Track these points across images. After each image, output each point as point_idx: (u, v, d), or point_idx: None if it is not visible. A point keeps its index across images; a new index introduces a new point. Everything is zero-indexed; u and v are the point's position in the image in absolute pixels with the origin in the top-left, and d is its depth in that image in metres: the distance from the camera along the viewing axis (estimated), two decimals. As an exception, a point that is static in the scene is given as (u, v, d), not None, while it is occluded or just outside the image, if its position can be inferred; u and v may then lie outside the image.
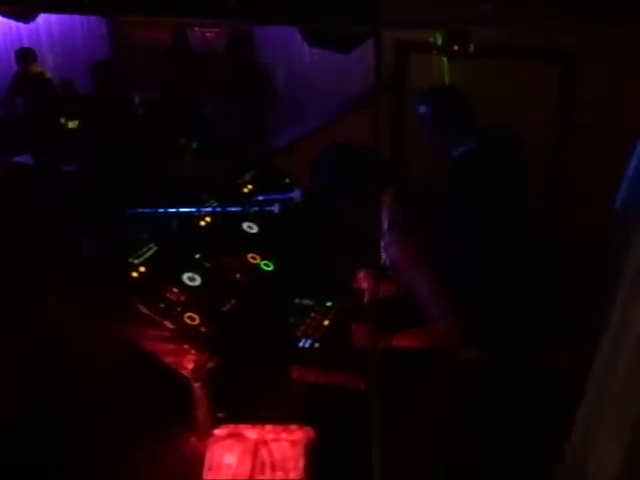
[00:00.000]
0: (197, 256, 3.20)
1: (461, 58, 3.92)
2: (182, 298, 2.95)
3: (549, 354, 3.03)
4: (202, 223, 3.38)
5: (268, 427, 2.75)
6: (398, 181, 2.80)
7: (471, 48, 3.84)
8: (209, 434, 2.78)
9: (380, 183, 2.74)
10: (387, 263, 2.68)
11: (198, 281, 3.07)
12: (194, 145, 3.81)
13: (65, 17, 8.66)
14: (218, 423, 2.83)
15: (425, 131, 3.52)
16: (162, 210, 3.28)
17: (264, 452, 2.66)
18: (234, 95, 7.29)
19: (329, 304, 3.13)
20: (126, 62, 8.39)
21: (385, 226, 2.69)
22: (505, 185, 3.38)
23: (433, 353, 2.63)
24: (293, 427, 2.74)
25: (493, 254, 2.75)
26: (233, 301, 3.04)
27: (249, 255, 3.31)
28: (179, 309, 2.89)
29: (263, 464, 2.63)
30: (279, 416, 2.83)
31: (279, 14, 1.79)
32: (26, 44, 8.13)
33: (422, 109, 3.48)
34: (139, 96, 7.26)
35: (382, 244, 2.68)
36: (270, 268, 3.30)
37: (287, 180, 3.82)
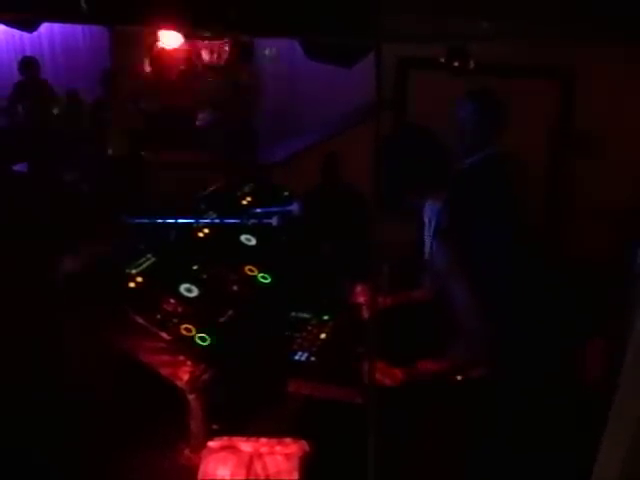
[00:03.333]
0: (195, 267, 3.20)
1: (461, 75, 3.93)
2: (179, 309, 2.95)
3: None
4: (200, 234, 3.38)
5: (262, 440, 2.74)
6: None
7: (471, 65, 3.86)
8: (203, 446, 2.76)
9: (443, 178, 2.71)
10: (429, 265, 2.67)
11: (195, 292, 3.07)
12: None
13: (67, 27, 8.70)
14: (212, 435, 2.82)
15: (461, 128, 3.51)
16: (160, 220, 3.28)
17: (258, 465, 2.65)
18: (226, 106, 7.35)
19: (326, 317, 3.13)
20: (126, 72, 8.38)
21: (432, 228, 2.68)
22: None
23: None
24: (288, 440, 2.72)
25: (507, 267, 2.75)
26: (230, 313, 3.03)
27: (246, 267, 3.31)
28: (175, 320, 2.89)
29: (257, 477, 2.62)
30: (274, 429, 2.82)
31: (279, 27, 1.80)
32: (28, 53, 8.16)
33: (470, 106, 3.49)
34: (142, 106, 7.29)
35: (428, 245, 2.67)
36: (267, 281, 3.30)
37: (286, 193, 3.82)
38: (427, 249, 2.71)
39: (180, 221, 3.27)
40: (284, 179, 4.33)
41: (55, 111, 7.58)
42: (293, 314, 3.15)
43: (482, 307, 2.53)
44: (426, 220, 2.72)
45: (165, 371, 2.84)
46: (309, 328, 3.06)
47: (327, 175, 5.30)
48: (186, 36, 7.35)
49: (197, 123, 7.54)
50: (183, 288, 3.06)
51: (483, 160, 3.42)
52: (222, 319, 3.00)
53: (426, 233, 2.72)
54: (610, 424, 1.86)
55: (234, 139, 7.07)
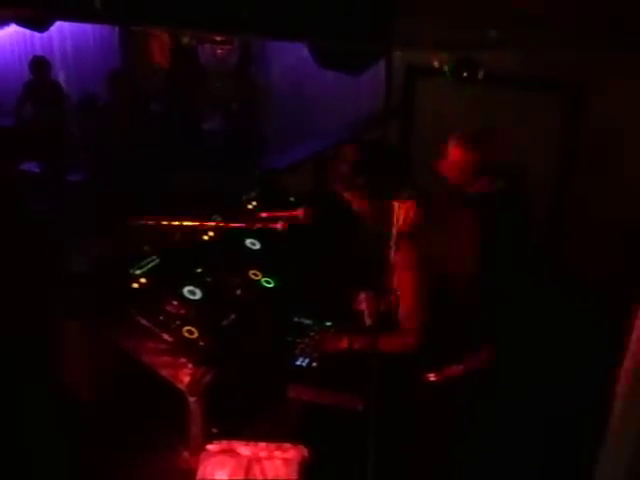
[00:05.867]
0: (198, 270, 3.20)
1: (470, 84, 3.93)
2: (182, 311, 2.94)
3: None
4: (205, 237, 3.38)
5: (261, 444, 2.73)
6: (418, 190, 2.82)
7: (480, 75, 3.86)
8: (202, 449, 2.76)
9: (399, 183, 2.77)
10: (391, 262, 2.75)
11: (198, 295, 3.07)
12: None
13: (78, 28, 8.74)
14: (211, 438, 2.81)
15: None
16: (165, 222, 3.29)
17: (257, 470, 2.64)
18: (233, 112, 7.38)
19: (328, 324, 3.12)
20: (136, 74, 8.41)
21: (397, 222, 2.75)
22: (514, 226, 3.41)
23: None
24: (287, 445, 2.72)
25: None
26: (232, 316, 3.03)
27: (250, 271, 3.31)
28: (178, 322, 2.89)
29: (255, 481, 2.62)
30: (273, 434, 2.81)
31: (291, 30, 1.81)
32: (39, 53, 8.19)
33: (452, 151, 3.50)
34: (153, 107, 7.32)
35: (392, 243, 2.74)
36: (271, 285, 3.30)
37: (292, 198, 3.82)
38: (392, 244, 2.78)
39: (185, 223, 3.27)
40: (291, 185, 4.33)
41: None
42: (295, 319, 3.15)
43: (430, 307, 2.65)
44: (394, 219, 2.78)
45: (166, 373, 2.84)
46: (311, 334, 3.05)
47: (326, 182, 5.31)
48: (199, 39, 7.41)
49: (205, 127, 7.57)
50: (186, 290, 3.06)
51: (485, 192, 3.42)
52: (224, 322, 3.00)
53: (393, 227, 2.78)
54: (609, 438, 1.86)
55: (242, 144, 7.10)
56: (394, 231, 2.77)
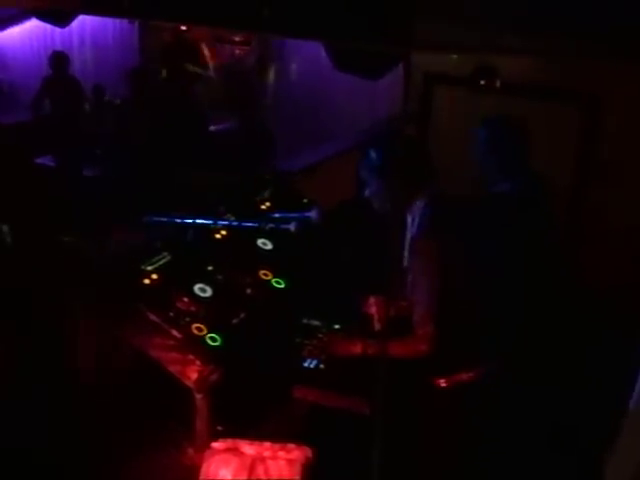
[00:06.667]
0: (210, 268, 3.21)
1: (487, 93, 3.93)
2: (192, 308, 2.95)
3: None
4: (217, 236, 3.39)
5: (266, 444, 2.74)
6: (435, 188, 2.83)
7: (497, 83, 3.86)
8: (207, 446, 2.76)
9: (418, 178, 2.78)
10: (405, 260, 2.77)
11: (209, 293, 3.07)
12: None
13: (98, 24, 8.79)
14: (217, 436, 2.82)
15: (478, 156, 3.53)
16: (179, 220, 3.30)
17: (260, 469, 2.65)
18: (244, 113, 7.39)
19: (337, 326, 3.12)
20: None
21: (412, 225, 2.78)
22: (531, 231, 3.38)
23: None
24: (291, 446, 2.72)
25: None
26: (242, 315, 3.03)
27: (261, 271, 3.31)
28: (188, 319, 2.90)
29: (258, 481, 2.62)
30: (278, 434, 2.81)
31: (311, 29, 1.81)
32: (59, 49, 8.25)
33: (483, 132, 3.49)
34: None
35: (407, 241, 2.77)
36: (281, 286, 3.30)
37: (305, 200, 3.82)
38: (406, 246, 2.79)
39: (198, 221, 3.28)
40: (303, 187, 4.33)
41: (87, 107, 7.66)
42: (305, 321, 3.15)
43: (442, 308, 2.63)
44: (409, 219, 2.80)
45: (174, 369, 2.85)
46: (319, 336, 3.05)
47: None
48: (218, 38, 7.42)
49: (212, 129, 7.57)
50: (197, 288, 3.06)
51: (509, 192, 3.40)
52: (234, 321, 3.00)
53: (408, 230, 2.80)
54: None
55: (252, 144, 7.09)
56: (409, 234, 2.77)
